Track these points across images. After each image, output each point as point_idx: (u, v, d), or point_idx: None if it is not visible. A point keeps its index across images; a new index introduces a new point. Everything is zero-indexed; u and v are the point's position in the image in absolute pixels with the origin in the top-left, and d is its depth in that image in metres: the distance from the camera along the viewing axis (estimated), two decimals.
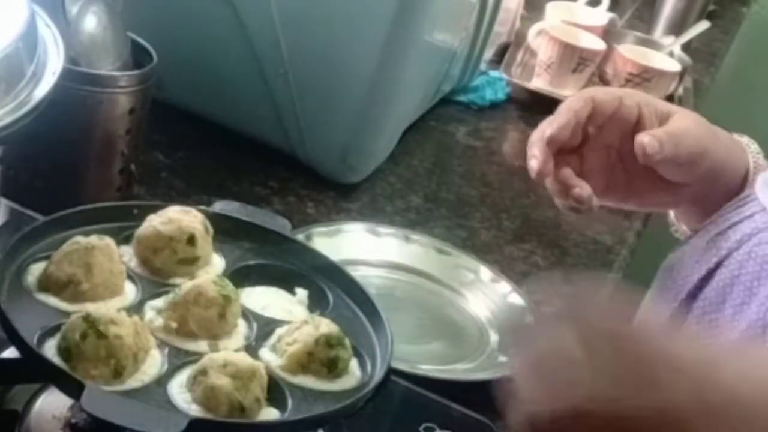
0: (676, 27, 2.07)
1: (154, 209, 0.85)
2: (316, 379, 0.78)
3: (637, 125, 0.89)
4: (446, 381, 1.02)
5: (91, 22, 1.06)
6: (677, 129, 0.89)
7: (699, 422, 0.58)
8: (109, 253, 0.79)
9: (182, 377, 0.74)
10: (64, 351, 0.71)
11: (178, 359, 0.76)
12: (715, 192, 0.92)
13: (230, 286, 0.80)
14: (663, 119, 0.90)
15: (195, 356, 0.75)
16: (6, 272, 0.77)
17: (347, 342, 0.79)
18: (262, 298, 0.85)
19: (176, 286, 0.80)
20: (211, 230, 0.85)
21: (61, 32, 0.86)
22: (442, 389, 0.98)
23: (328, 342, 0.78)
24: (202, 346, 0.77)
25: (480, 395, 1.02)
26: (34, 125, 0.77)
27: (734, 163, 0.93)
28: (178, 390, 0.73)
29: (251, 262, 0.87)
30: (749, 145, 0.94)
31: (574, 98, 0.91)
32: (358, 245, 1.17)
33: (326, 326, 0.79)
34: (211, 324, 0.78)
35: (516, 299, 1.15)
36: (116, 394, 0.70)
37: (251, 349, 0.79)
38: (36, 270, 0.79)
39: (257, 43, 1.23)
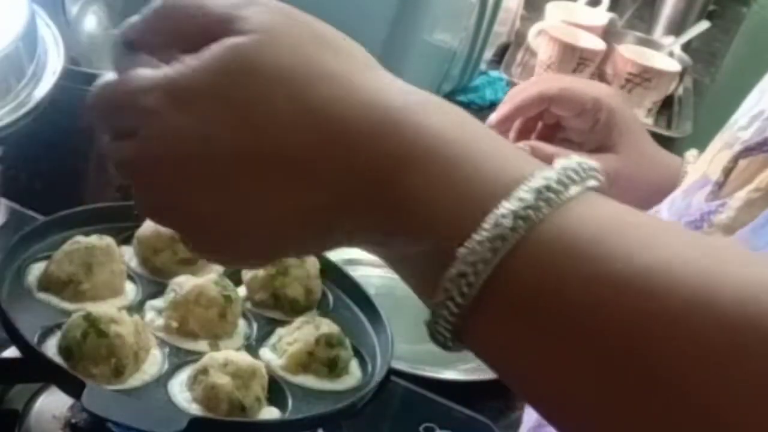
0: (676, 27, 2.07)
1: None
2: (316, 379, 0.78)
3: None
4: (446, 381, 1.02)
5: (91, 22, 1.06)
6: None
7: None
8: (109, 253, 0.79)
9: (183, 376, 0.74)
10: (65, 350, 0.71)
11: (179, 358, 0.76)
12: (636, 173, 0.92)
13: (231, 286, 0.80)
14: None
15: (195, 355, 0.75)
16: (6, 272, 0.77)
17: (347, 342, 0.80)
18: None
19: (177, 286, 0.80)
20: None
21: (61, 32, 0.86)
22: (442, 389, 0.98)
23: (329, 342, 0.78)
24: (202, 345, 0.77)
25: (480, 395, 1.02)
26: (34, 125, 0.77)
27: (659, 153, 0.94)
28: (179, 389, 0.73)
29: None
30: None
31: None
32: None
33: (326, 326, 0.79)
34: (211, 323, 0.78)
35: None
36: (117, 392, 0.70)
37: (251, 348, 0.79)
38: (36, 269, 0.79)
39: None
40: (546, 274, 0.42)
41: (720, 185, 0.66)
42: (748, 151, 0.65)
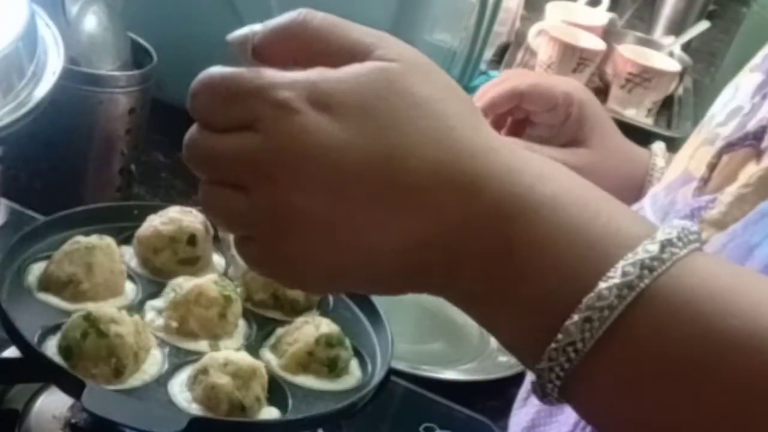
0: (676, 27, 2.07)
1: (155, 209, 0.85)
2: (316, 379, 0.78)
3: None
4: (446, 381, 1.02)
5: (91, 22, 1.06)
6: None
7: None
8: (109, 253, 0.79)
9: (183, 376, 0.74)
10: (65, 350, 0.71)
11: (179, 358, 0.76)
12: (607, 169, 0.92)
13: (231, 285, 0.80)
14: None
15: (195, 355, 0.75)
16: (6, 272, 0.77)
17: (347, 342, 0.79)
18: None
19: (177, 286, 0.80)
20: (211, 230, 0.85)
21: (61, 32, 0.86)
22: (442, 389, 0.98)
23: (329, 342, 0.78)
24: (202, 345, 0.77)
25: (480, 395, 1.02)
26: (34, 125, 0.77)
27: (628, 146, 0.94)
28: (179, 389, 0.73)
29: None
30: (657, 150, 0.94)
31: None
32: None
33: (326, 326, 0.79)
34: (211, 323, 0.78)
35: None
36: (117, 392, 0.70)
37: (251, 348, 0.79)
38: (36, 269, 0.79)
39: None
40: (664, 324, 0.43)
41: (705, 181, 0.66)
42: (730, 146, 0.65)
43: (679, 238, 0.44)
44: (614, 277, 0.43)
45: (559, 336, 0.44)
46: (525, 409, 0.76)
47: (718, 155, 0.66)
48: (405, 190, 0.45)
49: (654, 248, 0.44)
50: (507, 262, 0.45)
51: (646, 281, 0.43)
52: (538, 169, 0.47)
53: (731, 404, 0.42)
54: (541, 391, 0.46)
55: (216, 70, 0.48)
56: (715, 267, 0.45)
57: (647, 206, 0.73)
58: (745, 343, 0.42)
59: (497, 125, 0.95)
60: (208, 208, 0.48)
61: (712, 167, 0.66)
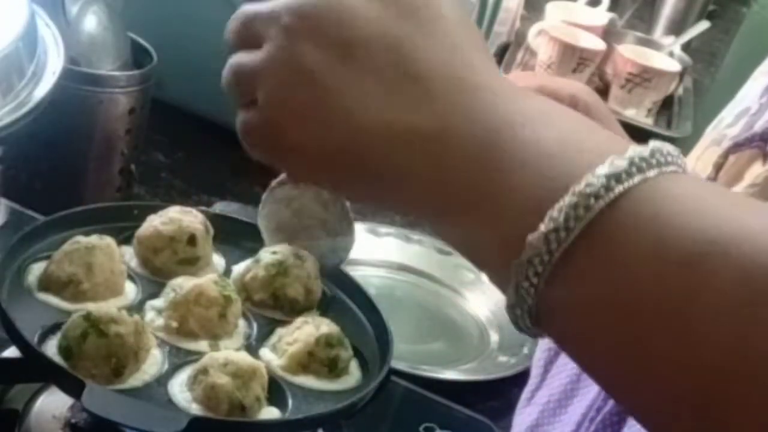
0: (676, 27, 2.08)
1: (155, 209, 0.85)
2: (316, 379, 0.77)
3: None
4: (446, 381, 1.03)
5: (91, 22, 1.06)
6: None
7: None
8: (109, 253, 0.79)
9: (183, 376, 0.74)
10: (65, 350, 0.71)
11: (179, 358, 0.76)
12: None
13: (231, 285, 0.80)
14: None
15: (195, 355, 0.75)
16: (6, 272, 0.77)
17: (347, 342, 0.79)
18: None
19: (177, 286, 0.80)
20: (211, 230, 0.85)
21: (61, 32, 0.86)
22: (442, 389, 0.99)
23: (328, 342, 0.78)
24: (202, 345, 0.77)
25: (480, 395, 1.02)
26: (34, 125, 0.77)
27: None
28: (179, 389, 0.73)
29: None
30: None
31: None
32: (358, 245, 1.17)
33: (326, 326, 0.79)
34: (211, 323, 0.78)
35: None
36: (117, 392, 0.70)
37: (251, 348, 0.79)
38: (36, 269, 0.79)
39: None
40: (649, 229, 0.43)
41: (712, 181, 0.66)
42: (737, 146, 0.65)
43: (668, 152, 0.45)
44: (602, 169, 0.43)
45: (542, 226, 0.43)
46: (529, 408, 0.76)
47: (725, 155, 0.66)
48: (407, 75, 0.48)
49: (644, 151, 0.44)
50: (497, 164, 0.46)
51: (635, 179, 0.43)
52: (534, 94, 0.49)
53: (716, 316, 0.40)
54: (515, 296, 0.45)
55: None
56: (702, 184, 0.47)
57: None
58: (717, 249, 0.41)
59: None
60: (227, 77, 0.52)
61: (718, 167, 0.66)
